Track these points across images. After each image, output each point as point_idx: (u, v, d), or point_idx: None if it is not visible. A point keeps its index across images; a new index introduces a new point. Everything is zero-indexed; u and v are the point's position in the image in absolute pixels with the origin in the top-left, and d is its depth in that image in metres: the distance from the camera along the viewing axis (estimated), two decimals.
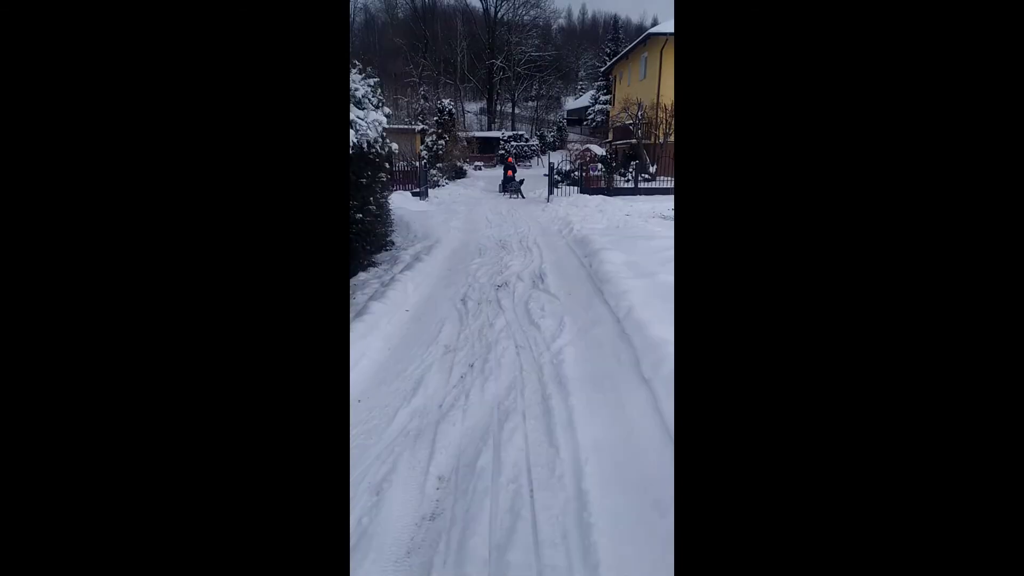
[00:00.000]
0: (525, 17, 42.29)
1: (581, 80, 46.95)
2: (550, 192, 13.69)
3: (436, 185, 17.03)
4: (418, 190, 13.84)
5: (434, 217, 9.60)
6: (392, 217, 7.42)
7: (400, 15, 46.27)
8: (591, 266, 5.91)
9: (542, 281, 5.57)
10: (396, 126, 23.75)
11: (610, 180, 14.56)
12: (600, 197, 12.64)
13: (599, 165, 15.19)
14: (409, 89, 32.05)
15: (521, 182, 15.12)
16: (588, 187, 14.20)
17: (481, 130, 35.47)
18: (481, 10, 42.17)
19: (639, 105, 18.00)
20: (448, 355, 3.62)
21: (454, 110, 24.40)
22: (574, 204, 11.68)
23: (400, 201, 10.20)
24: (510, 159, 16.99)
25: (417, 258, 6.32)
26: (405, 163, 15.20)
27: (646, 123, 17.25)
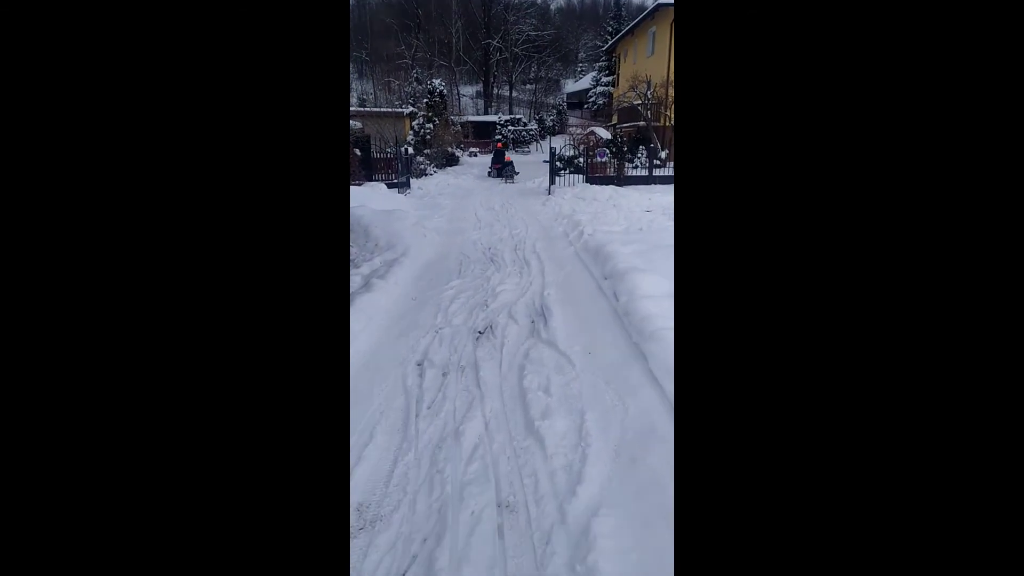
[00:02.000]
0: None
1: (581, 62, 44.89)
2: (551, 182, 11.73)
3: (423, 174, 15.15)
4: (397, 180, 11.88)
5: (408, 217, 7.65)
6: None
7: None
8: (617, 298, 4.04)
9: (545, 322, 3.73)
10: (379, 109, 21.87)
11: (620, 167, 12.59)
12: (611, 188, 10.69)
13: (606, 150, 13.22)
14: (402, 72, 29.99)
15: (510, 163, 15.35)
16: (594, 175, 12.25)
17: (477, 114, 33.33)
18: None
19: (647, 83, 16.02)
20: (360, 540, 1.79)
21: (446, 91, 22.36)
22: (580, 197, 9.78)
23: (364, 196, 8.20)
24: (500, 145, 17.48)
25: (367, 284, 4.45)
26: (391, 149, 13.26)
27: (655, 103, 15.28)
